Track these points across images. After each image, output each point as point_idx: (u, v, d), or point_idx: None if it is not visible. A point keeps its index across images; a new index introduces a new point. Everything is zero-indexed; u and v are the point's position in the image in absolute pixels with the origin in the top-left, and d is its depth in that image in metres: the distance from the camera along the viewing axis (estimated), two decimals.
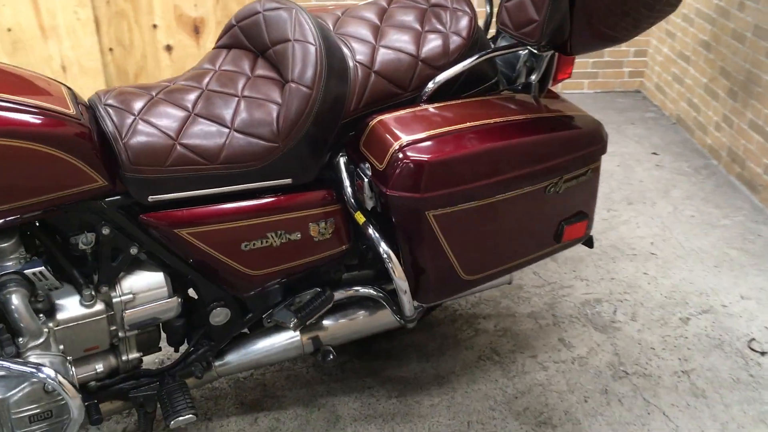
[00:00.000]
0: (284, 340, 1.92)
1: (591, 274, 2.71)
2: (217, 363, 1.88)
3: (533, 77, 1.94)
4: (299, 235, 1.75)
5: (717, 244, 2.89)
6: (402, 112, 1.73)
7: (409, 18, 1.89)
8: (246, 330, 1.93)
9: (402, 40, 1.82)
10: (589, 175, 1.87)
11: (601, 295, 2.60)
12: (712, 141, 3.62)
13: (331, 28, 1.87)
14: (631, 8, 1.71)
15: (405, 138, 1.65)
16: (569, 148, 1.79)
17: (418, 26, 1.86)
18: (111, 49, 3.92)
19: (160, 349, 1.86)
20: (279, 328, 1.90)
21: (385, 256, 1.71)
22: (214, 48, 1.89)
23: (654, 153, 3.71)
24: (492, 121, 1.73)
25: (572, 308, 2.53)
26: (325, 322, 1.97)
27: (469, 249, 1.76)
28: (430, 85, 1.79)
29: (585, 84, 4.60)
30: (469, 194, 1.68)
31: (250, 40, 1.83)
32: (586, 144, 1.83)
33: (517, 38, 1.72)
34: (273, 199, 1.70)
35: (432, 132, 1.67)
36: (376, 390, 2.19)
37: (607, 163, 3.61)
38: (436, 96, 1.82)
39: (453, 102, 1.81)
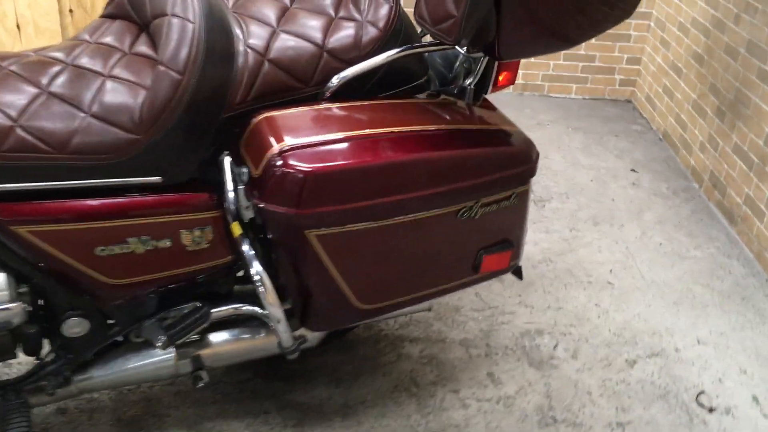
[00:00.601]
0: (157, 357, 1.68)
1: (538, 300, 2.46)
2: (77, 377, 1.64)
3: (468, 81, 1.69)
4: (168, 243, 1.50)
5: (682, 278, 2.63)
6: (295, 110, 1.48)
7: (325, 2, 1.63)
8: (120, 338, 1.70)
9: (308, 26, 1.56)
10: (514, 200, 1.61)
11: (544, 325, 2.35)
12: (696, 162, 3.35)
13: (230, 4, 1.61)
14: (589, 4, 1.45)
15: (288, 141, 1.39)
16: (488, 169, 1.53)
17: (331, 12, 1.60)
18: (71, 11, 3.68)
19: (15, 356, 1.62)
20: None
21: (256, 277, 1.46)
22: (100, 17, 1.64)
23: (633, 170, 3.45)
24: (399, 129, 1.47)
25: (509, 338, 2.28)
26: (212, 340, 1.74)
27: (362, 275, 1.51)
28: (334, 81, 1.54)
29: (573, 89, 4.32)
30: (361, 214, 1.43)
31: (135, 11, 1.57)
32: (510, 165, 1.56)
33: (434, 35, 1.46)
34: (136, 199, 1.45)
35: (324, 137, 1.42)
36: (272, 416, 1.95)
37: (581, 176, 3.36)
38: (347, 94, 1.57)
39: (361, 103, 1.55)
